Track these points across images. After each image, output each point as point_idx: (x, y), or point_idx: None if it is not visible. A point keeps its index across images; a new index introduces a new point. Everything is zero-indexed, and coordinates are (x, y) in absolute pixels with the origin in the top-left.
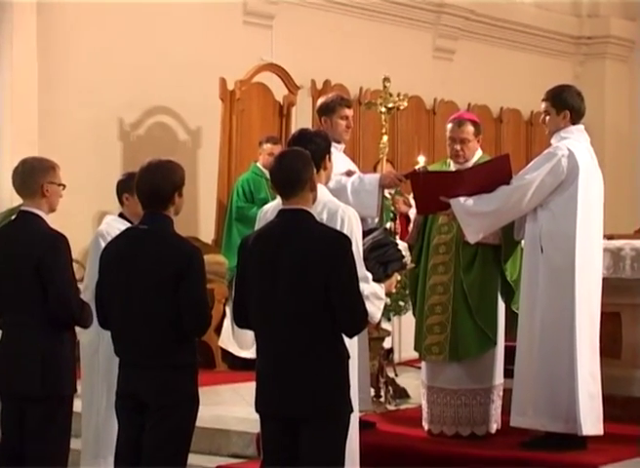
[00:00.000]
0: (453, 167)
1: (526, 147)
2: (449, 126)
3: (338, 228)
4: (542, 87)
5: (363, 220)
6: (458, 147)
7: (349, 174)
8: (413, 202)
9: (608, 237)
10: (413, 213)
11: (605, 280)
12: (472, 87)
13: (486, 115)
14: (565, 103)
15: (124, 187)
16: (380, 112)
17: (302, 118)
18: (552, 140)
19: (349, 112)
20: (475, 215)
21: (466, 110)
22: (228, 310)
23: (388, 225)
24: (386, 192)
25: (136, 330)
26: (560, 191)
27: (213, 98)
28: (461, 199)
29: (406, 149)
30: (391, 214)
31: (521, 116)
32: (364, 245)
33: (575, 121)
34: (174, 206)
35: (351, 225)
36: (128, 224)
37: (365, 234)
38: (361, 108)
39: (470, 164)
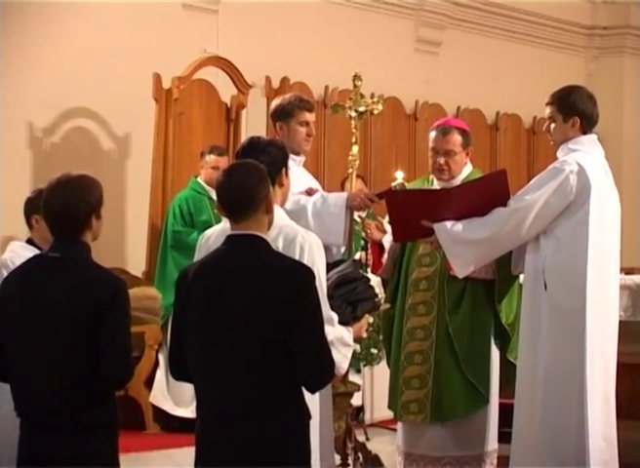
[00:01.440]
0: (437, 184)
1: (527, 161)
2: (432, 134)
3: (296, 258)
4: (547, 88)
5: (327, 249)
6: (441, 161)
7: (310, 192)
8: (388, 227)
9: (626, 271)
10: (388, 240)
11: (622, 324)
12: (462, 87)
13: (478, 121)
14: (574, 108)
15: (33, 207)
16: (350, 117)
17: (254, 123)
18: (559, 153)
19: (311, 117)
20: (464, 244)
21: (454, 116)
22: (162, 358)
23: (358, 256)
24: (356, 215)
25: (40, 381)
26: (568, 215)
27: (145, 99)
28: (448, 224)
29: (381, 162)
30: (362, 243)
31: (521, 123)
32: (328, 280)
33: (586, 129)
34: (90, 231)
35: (313, 255)
36: (38, 252)
37: (329, 267)
38: (326, 112)
39: (458, 181)
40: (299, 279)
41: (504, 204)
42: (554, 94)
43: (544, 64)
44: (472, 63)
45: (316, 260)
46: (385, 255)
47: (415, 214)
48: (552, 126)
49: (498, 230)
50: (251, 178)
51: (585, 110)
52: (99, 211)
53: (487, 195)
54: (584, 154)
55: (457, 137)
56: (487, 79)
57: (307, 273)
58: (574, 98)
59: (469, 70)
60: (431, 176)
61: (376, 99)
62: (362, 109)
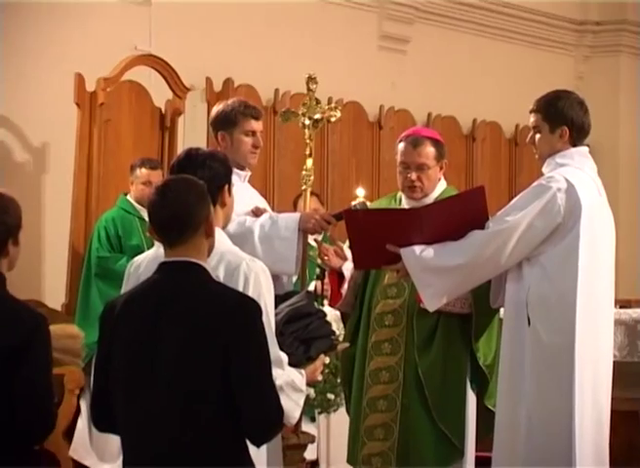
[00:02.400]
0: (405, 203)
1: (508, 177)
2: (400, 146)
3: (240, 290)
4: (531, 92)
5: (276, 279)
6: (413, 176)
7: (257, 212)
8: (348, 253)
9: (621, 304)
10: (348, 268)
11: (617, 365)
12: (434, 90)
13: (452, 131)
14: (562, 116)
15: None
16: (303, 126)
17: (193, 133)
18: (544, 168)
19: (258, 125)
20: (436, 272)
21: (425, 124)
22: (84, 405)
23: (313, 286)
24: (310, 239)
25: None
26: (555, 239)
27: (65, 103)
28: (417, 248)
29: (339, 178)
30: (317, 271)
31: (501, 133)
32: (277, 314)
33: (576, 141)
34: (6, 258)
35: (259, 286)
36: None
37: (279, 299)
38: (276, 120)
39: (430, 200)
40: (242, 314)
41: (482, 226)
42: (539, 99)
43: (528, 65)
44: (445, 64)
45: (263, 292)
46: (345, 286)
47: (378, 237)
48: (537, 136)
49: (474, 256)
50: (188, 197)
51: (575, 119)
52: (17, 235)
53: (462, 215)
54: (574, 169)
55: (429, 149)
56: (462, 82)
57: (253, 307)
58: (562, 105)
59: (442, 71)
60: (399, 194)
61: (333, 105)
62: (317, 116)
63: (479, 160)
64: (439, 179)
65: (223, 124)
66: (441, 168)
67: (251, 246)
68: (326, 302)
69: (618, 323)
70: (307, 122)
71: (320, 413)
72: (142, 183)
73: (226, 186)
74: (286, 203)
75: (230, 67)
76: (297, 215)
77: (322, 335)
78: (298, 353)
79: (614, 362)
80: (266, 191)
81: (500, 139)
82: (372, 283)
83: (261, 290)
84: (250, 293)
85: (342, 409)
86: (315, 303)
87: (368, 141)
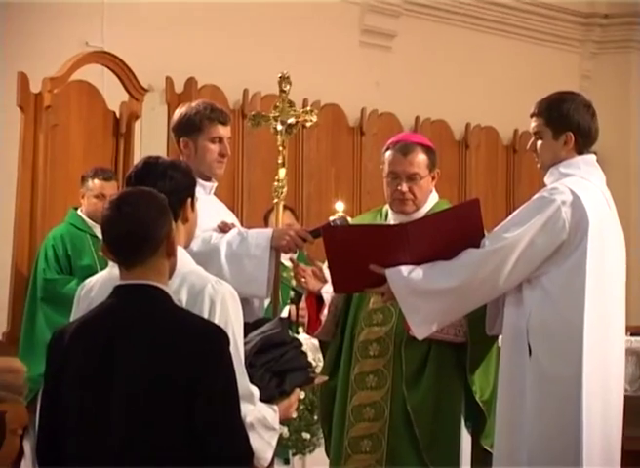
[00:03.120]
0: (393, 219)
1: (506, 188)
2: (388, 154)
3: (205, 316)
4: (532, 93)
5: (246, 304)
6: (404, 188)
7: (224, 228)
8: (328, 273)
9: (632, 332)
10: (328, 291)
11: (628, 400)
12: (422, 91)
13: (443, 136)
14: (567, 121)
15: None
16: (276, 131)
17: (151, 139)
18: (547, 178)
19: (225, 131)
20: (425, 296)
21: (412, 129)
22: (28, 446)
23: (287, 312)
24: (284, 258)
25: None
26: (559, 259)
27: (7, 106)
28: (404, 269)
29: (316, 190)
30: (292, 294)
31: (498, 139)
32: (247, 344)
33: (582, 148)
34: None
35: (226, 312)
36: None
37: (249, 327)
38: (245, 125)
39: (421, 214)
40: (208, 343)
41: (477, 244)
42: (541, 102)
43: (529, 64)
44: (435, 61)
45: (231, 318)
46: (324, 311)
47: (361, 256)
48: (539, 143)
49: (468, 278)
50: (147, 212)
51: (581, 123)
52: None
53: (454, 232)
54: (580, 180)
55: (421, 157)
56: (454, 82)
57: (219, 335)
58: (566, 108)
59: (432, 70)
60: (385, 209)
61: (309, 108)
62: (291, 121)
63: (473, 169)
64: (431, 191)
65: (186, 129)
66: (433, 178)
67: (217, 266)
68: (302, 330)
69: (628, 352)
70: (280, 127)
71: (294, 455)
72: (95, 196)
73: (189, 199)
74: (256, 218)
75: (193, 65)
76: (268, 232)
77: (297, 367)
78: (270, 387)
79: (624, 396)
80: (234, 204)
81: (496, 146)
82: (354, 308)
83: (229, 316)
84: (216, 320)
85: (320, 450)
86: (290, 331)
87: (348, 149)
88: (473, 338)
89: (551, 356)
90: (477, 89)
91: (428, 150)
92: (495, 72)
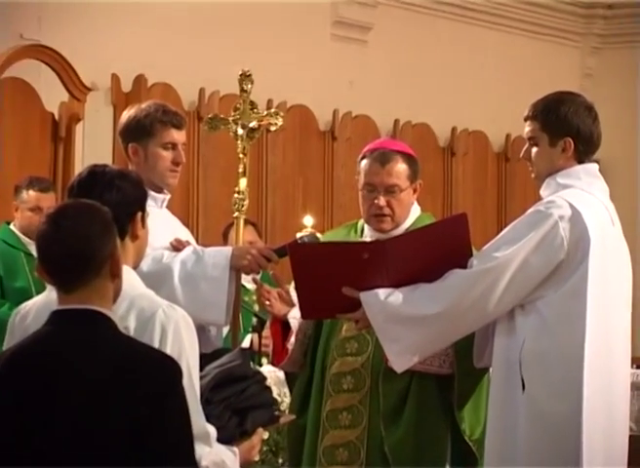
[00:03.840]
0: (369, 235)
1: (497, 201)
2: (364, 163)
3: (156, 345)
4: (527, 94)
5: (202, 332)
6: (381, 202)
7: (178, 246)
8: (295, 297)
9: (638, 364)
10: (295, 317)
11: (633, 440)
12: (403, 91)
13: (426, 142)
14: (565, 125)
15: None
16: (236, 136)
17: (95, 145)
18: (543, 190)
19: (180, 136)
20: (405, 323)
21: (391, 134)
22: None
23: (248, 341)
24: (246, 280)
25: None
26: (557, 281)
27: None
28: (381, 293)
29: (282, 202)
30: (254, 321)
31: (489, 145)
32: (204, 377)
33: (582, 156)
34: None
35: (180, 341)
36: None
37: (206, 358)
38: (202, 129)
39: (401, 231)
40: (158, 377)
41: (464, 264)
42: (537, 103)
43: (523, 60)
44: (417, 57)
45: (185, 348)
46: (291, 339)
47: (333, 277)
48: (534, 150)
49: (454, 302)
50: (89, 227)
51: (582, 128)
52: None
53: (438, 250)
54: (580, 192)
55: (401, 167)
56: (439, 80)
57: (171, 367)
58: (565, 111)
59: (413, 67)
60: (360, 224)
61: (274, 110)
62: (253, 124)
63: (460, 180)
64: (411, 204)
65: (136, 134)
66: (415, 190)
67: (169, 288)
68: (266, 361)
69: (633, 387)
70: (241, 131)
71: None
72: (30, 209)
73: (139, 214)
74: (214, 234)
75: (143, 62)
76: (228, 250)
77: (260, 404)
78: (229, 426)
79: (630, 436)
80: (189, 219)
81: (486, 154)
82: (325, 336)
83: (183, 345)
84: (168, 350)
85: None
86: (252, 363)
87: (318, 156)
88: (461, 369)
89: (547, 391)
90: (465, 88)
91: (409, 159)
92: (485, 70)
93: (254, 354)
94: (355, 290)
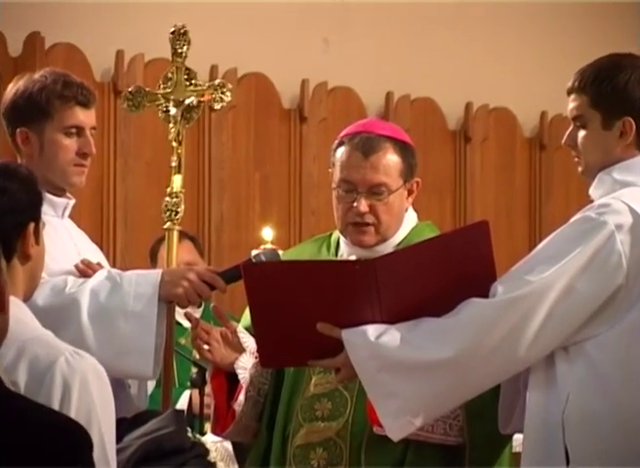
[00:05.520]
0: (347, 252)
1: (529, 204)
2: (339, 152)
3: (55, 407)
4: (570, 60)
5: (121, 387)
6: (361, 207)
7: (87, 270)
8: (248, 338)
9: None
10: (245, 366)
11: None
12: (397, 55)
13: (432, 124)
14: (624, 99)
15: None
16: (167, 117)
17: None
18: (594, 190)
19: (87, 118)
20: (405, 372)
21: (382, 113)
22: None
23: (186, 401)
24: (180, 316)
25: None
26: (614, 315)
27: None
28: (371, 330)
29: (232, 208)
30: (193, 372)
31: (517, 127)
32: (124, 450)
33: None
34: None
35: (88, 400)
36: None
37: (127, 424)
38: (120, 107)
39: (391, 248)
40: (59, 449)
41: (485, 290)
42: (585, 71)
43: (565, 12)
44: (418, 8)
45: (96, 410)
46: (241, 397)
47: (302, 309)
48: (581, 134)
49: (472, 344)
50: None
51: None
52: None
53: (449, 272)
54: None
55: (391, 159)
56: (447, 39)
57: (77, 437)
58: (624, 80)
59: (411, 21)
60: (335, 236)
61: (219, 81)
62: (191, 101)
63: (477, 175)
64: (406, 210)
65: (26, 115)
66: (410, 191)
67: (75, 329)
68: (208, 428)
69: None
70: (174, 111)
71: None
72: None
73: (31, 225)
74: (137, 252)
75: (37, 16)
76: (156, 275)
77: None
78: None
79: None
80: (102, 232)
81: (513, 139)
82: (288, 392)
83: (93, 406)
84: (72, 413)
85: None
86: (190, 431)
87: (282, 144)
88: (475, 439)
89: (601, 462)
90: (484, 51)
91: (403, 148)
92: (512, 25)
93: (192, 418)
94: (334, 326)
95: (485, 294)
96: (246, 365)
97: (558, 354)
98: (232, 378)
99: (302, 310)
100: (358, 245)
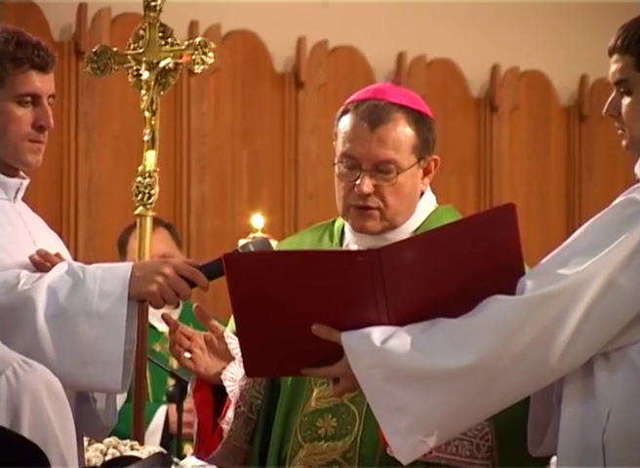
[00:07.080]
0: (352, 241)
1: (566, 183)
2: (344, 121)
3: (4, 424)
4: (610, 14)
5: (83, 403)
6: (365, 186)
7: (43, 263)
8: (233, 345)
9: None
10: (232, 377)
11: None
12: (410, 9)
13: (452, 91)
14: None
15: None
16: (139, 83)
17: None
18: (639, 166)
19: (44, 84)
20: (417, 382)
21: (394, 78)
22: None
23: (162, 418)
24: (154, 316)
25: None
26: None
27: None
28: (376, 333)
29: (215, 191)
30: (170, 384)
31: (552, 93)
32: None
33: None
34: None
35: (43, 418)
36: None
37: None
38: (82, 71)
39: (403, 235)
40: None
41: (511, 286)
42: (629, 27)
43: None
44: None
45: (53, 429)
46: (229, 414)
47: (295, 308)
48: (626, 102)
49: (496, 349)
50: None
51: None
52: None
53: (470, 263)
54: None
55: (402, 131)
56: None
57: (31, 458)
58: None
59: None
60: (339, 223)
61: (200, 40)
62: (167, 63)
63: (505, 150)
64: (422, 193)
65: None
66: (427, 171)
67: (29, 333)
68: (188, 450)
69: None
70: (146, 75)
71: None
72: None
73: None
74: (104, 242)
75: None
76: (126, 269)
77: None
78: None
79: None
80: (62, 218)
81: (548, 108)
82: (285, 407)
83: (48, 424)
84: (25, 431)
85: None
86: (169, 454)
87: (274, 114)
88: (506, 461)
89: None
90: (513, 5)
91: (419, 119)
92: None
93: (170, 438)
94: (332, 328)
95: (511, 291)
96: (235, 375)
97: (597, 362)
98: (219, 392)
99: (295, 309)
100: (360, 231)
